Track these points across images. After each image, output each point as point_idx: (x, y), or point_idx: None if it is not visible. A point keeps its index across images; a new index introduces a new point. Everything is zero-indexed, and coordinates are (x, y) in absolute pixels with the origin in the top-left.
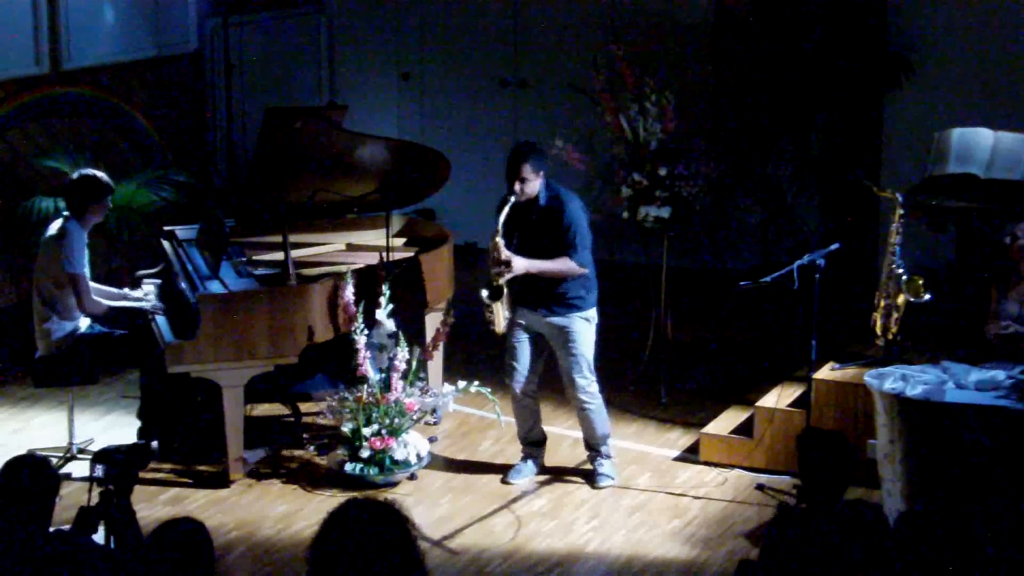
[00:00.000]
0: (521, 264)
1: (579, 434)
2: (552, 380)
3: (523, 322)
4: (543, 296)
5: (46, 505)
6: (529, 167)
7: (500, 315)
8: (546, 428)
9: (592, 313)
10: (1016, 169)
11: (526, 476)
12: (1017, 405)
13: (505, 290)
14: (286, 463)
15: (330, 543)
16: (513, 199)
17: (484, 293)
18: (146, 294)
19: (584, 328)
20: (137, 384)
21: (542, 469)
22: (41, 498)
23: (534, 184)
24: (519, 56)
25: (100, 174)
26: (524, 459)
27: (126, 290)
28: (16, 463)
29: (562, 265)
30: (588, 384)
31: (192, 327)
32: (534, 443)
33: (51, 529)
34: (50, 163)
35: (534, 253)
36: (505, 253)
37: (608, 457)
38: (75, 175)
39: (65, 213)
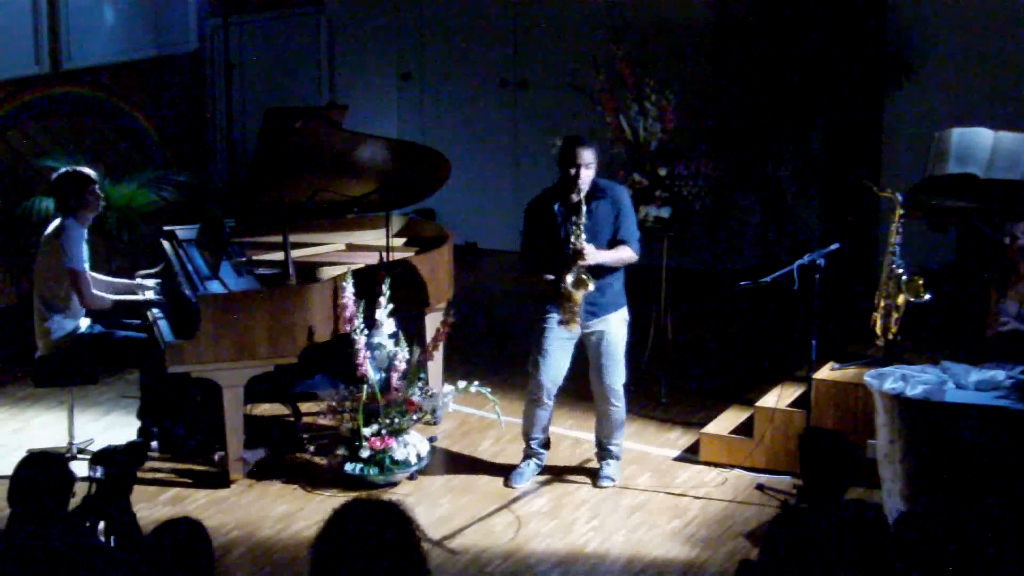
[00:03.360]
0: (593, 252)
1: (579, 434)
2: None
3: (560, 328)
4: (585, 301)
5: (59, 502)
6: (589, 153)
7: (573, 308)
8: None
9: (627, 313)
10: (1016, 169)
11: (528, 478)
12: (1017, 405)
13: (587, 281)
14: (286, 463)
15: (332, 542)
16: (575, 194)
17: (569, 280)
18: (147, 283)
19: (621, 329)
20: (137, 384)
21: (544, 469)
22: (54, 495)
23: (591, 173)
24: (519, 56)
25: (77, 168)
26: (526, 459)
27: (139, 280)
28: (32, 460)
29: (624, 253)
30: (620, 387)
31: (192, 327)
32: (542, 445)
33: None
34: (50, 163)
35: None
36: (583, 243)
37: (617, 458)
38: (52, 177)
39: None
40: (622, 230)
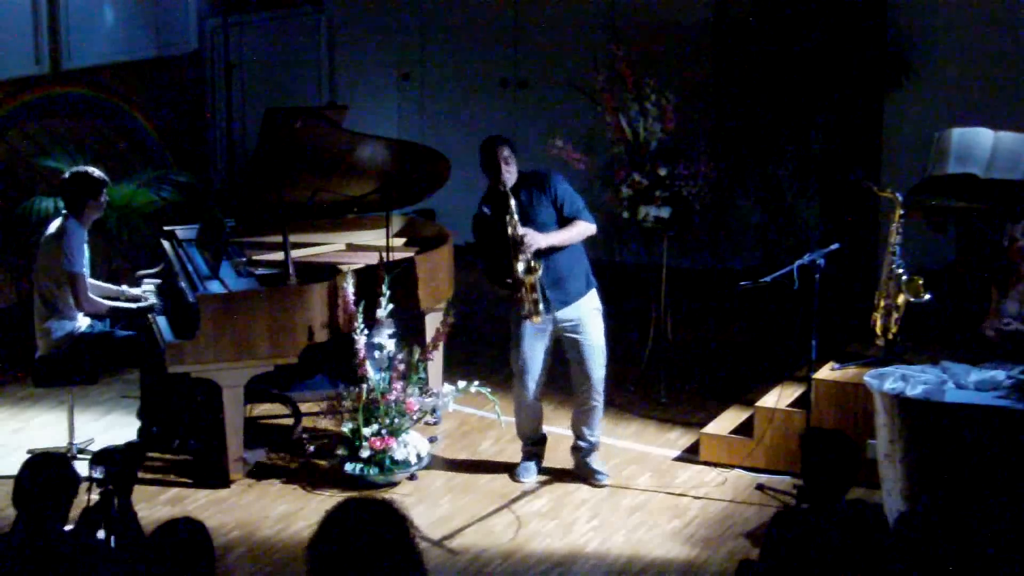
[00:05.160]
0: (538, 237)
1: None
2: (551, 379)
3: (530, 325)
4: (552, 292)
5: (63, 504)
6: (508, 150)
7: (532, 298)
8: (547, 428)
9: (598, 299)
10: (1016, 169)
11: (535, 473)
12: (1017, 405)
13: (536, 266)
14: (286, 463)
15: (329, 542)
16: (500, 187)
17: (519, 268)
18: (144, 292)
19: (596, 318)
20: (137, 384)
21: (543, 469)
22: (58, 496)
23: (513, 169)
24: (519, 56)
25: (93, 169)
26: (527, 458)
27: (124, 287)
28: (38, 461)
29: (577, 228)
30: (601, 377)
31: (192, 327)
32: (538, 443)
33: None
34: (50, 163)
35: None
36: (520, 230)
37: (596, 447)
38: (67, 173)
39: (64, 212)
40: (567, 208)
